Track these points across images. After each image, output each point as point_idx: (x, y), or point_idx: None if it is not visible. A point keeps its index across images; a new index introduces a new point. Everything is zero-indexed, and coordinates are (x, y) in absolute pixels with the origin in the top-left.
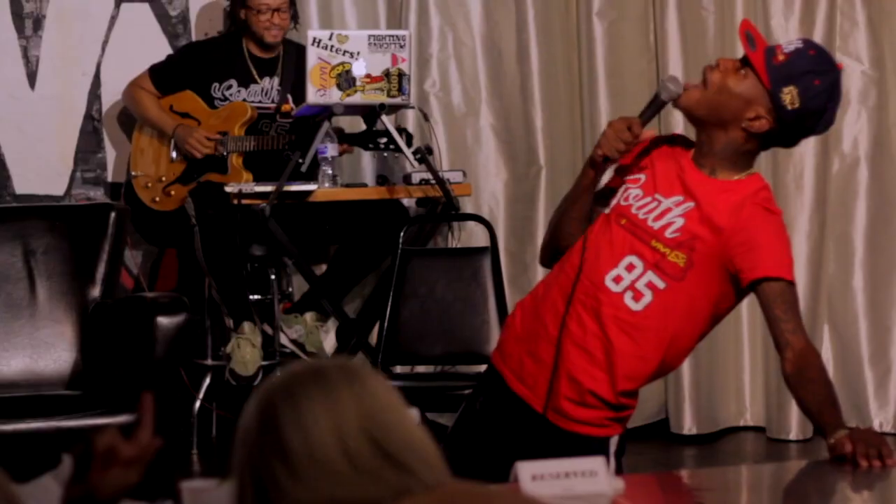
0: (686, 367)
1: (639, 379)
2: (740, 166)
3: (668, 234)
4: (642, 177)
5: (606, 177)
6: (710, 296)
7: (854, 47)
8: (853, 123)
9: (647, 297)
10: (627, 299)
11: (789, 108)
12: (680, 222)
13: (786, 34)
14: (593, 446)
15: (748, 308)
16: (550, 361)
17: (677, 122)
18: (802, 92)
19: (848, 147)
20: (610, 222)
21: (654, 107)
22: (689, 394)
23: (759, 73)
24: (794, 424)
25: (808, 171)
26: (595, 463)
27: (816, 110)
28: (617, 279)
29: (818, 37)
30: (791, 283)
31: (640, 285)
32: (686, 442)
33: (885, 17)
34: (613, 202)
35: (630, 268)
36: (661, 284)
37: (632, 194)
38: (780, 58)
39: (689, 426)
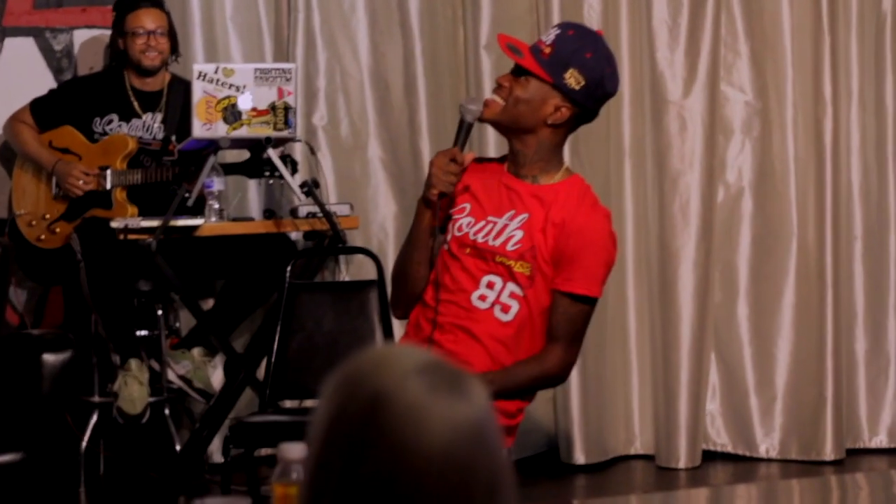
0: (575, 395)
1: None
2: (555, 163)
3: (509, 247)
4: (466, 206)
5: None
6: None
7: (738, 78)
8: (737, 154)
9: (514, 307)
10: (497, 313)
11: (577, 87)
12: (519, 234)
13: (671, 66)
14: None
15: (636, 336)
16: None
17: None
18: (581, 69)
19: (732, 177)
20: (455, 254)
21: (464, 131)
22: (578, 423)
23: (536, 73)
24: (683, 453)
25: (693, 200)
26: None
27: (600, 77)
28: (482, 297)
29: (703, 68)
30: (585, 299)
31: (504, 298)
32: (576, 472)
33: (768, 50)
34: (448, 237)
35: (490, 285)
36: (520, 292)
37: (464, 223)
38: (547, 51)
39: (578, 456)
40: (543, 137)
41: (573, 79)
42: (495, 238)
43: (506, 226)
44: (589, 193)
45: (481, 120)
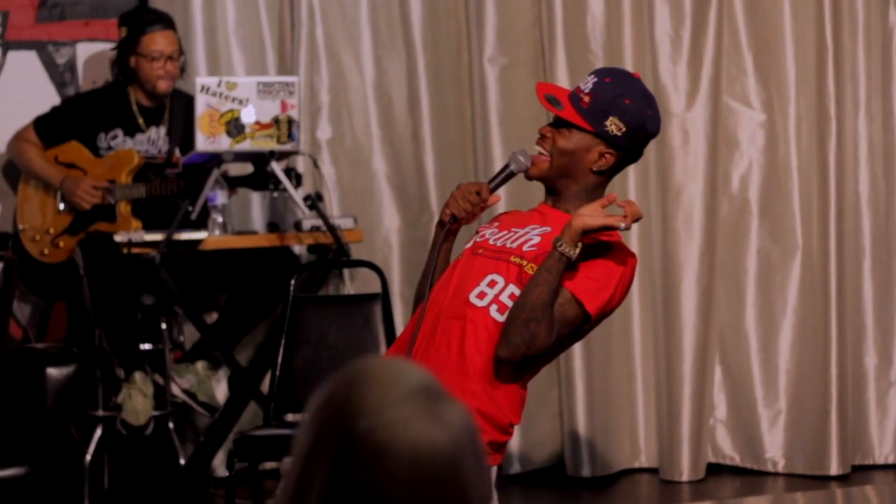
0: (581, 409)
1: (512, 384)
2: (593, 200)
3: (525, 248)
4: (497, 223)
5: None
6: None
7: (741, 91)
8: (741, 166)
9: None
10: (493, 312)
11: (620, 134)
12: (537, 239)
13: (673, 79)
14: None
15: (641, 349)
16: None
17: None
18: (622, 116)
19: (737, 189)
20: (466, 257)
21: (504, 176)
22: (584, 436)
23: (578, 124)
24: (687, 466)
25: (696, 213)
26: None
27: (642, 122)
28: (480, 295)
29: (705, 80)
30: (581, 307)
31: (503, 298)
32: (581, 485)
33: (772, 62)
34: (467, 246)
35: (492, 284)
36: None
37: (487, 233)
38: (586, 100)
39: (584, 469)
40: (586, 182)
41: (614, 126)
42: (513, 242)
43: (526, 233)
44: (616, 234)
45: (528, 176)
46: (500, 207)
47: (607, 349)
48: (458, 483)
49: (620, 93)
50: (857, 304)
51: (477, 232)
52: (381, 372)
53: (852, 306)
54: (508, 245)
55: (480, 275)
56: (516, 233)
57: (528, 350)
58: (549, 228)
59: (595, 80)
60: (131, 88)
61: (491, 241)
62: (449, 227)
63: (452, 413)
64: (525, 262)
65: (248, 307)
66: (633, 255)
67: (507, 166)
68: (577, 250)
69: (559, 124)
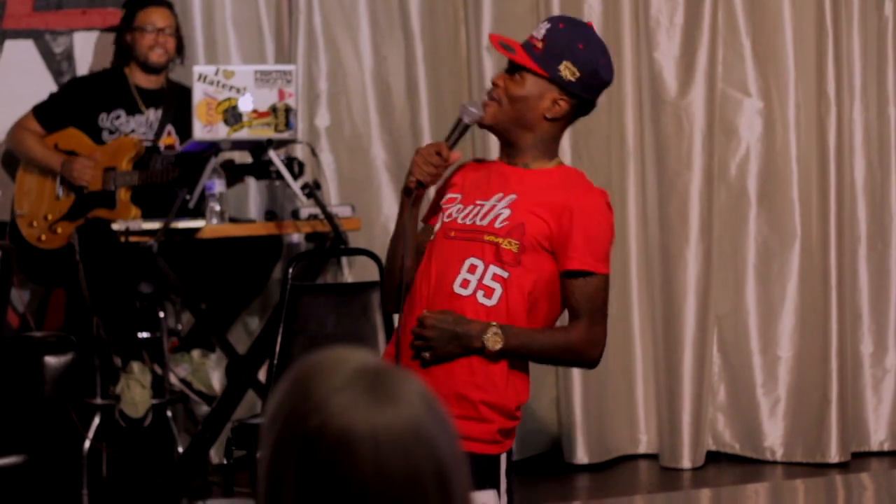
0: (578, 395)
1: (514, 368)
2: (550, 153)
3: (497, 224)
4: (457, 196)
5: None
6: (546, 272)
7: (739, 78)
8: (739, 154)
9: (498, 290)
10: (480, 298)
11: (573, 79)
12: (507, 213)
13: (668, 66)
14: (484, 465)
15: (639, 335)
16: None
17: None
18: (575, 61)
19: (734, 177)
20: (439, 241)
21: (458, 130)
22: (581, 423)
23: (531, 69)
24: (686, 453)
25: (692, 201)
26: (486, 496)
27: (595, 67)
28: (464, 283)
29: (700, 68)
30: (594, 276)
31: (487, 281)
32: (579, 471)
33: (771, 49)
34: (437, 227)
35: (472, 269)
36: (504, 274)
37: (453, 211)
38: (539, 45)
39: (581, 455)
40: (541, 131)
41: (568, 71)
42: (482, 218)
43: (493, 206)
44: (583, 178)
45: (481, 125)
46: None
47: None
48: (428, 456)
49: (573, 38)
50: (853, 292)
51: (442, 210)
52: (321, 364)
53: (848, 294)
54: (478, 223)
55: (458, 261)
56: (482, 206)
57: (601, 352)
58: (514, 196)
59: (548, 26)
60: (129, 70)
61: (459, 221)
62: (416, 194)
63: (403, 387)
64: (501, 240)
65: (235, 291)
66: (604, 194)
67: (459, 120)
68: (500, 339)
69: (512, 70)
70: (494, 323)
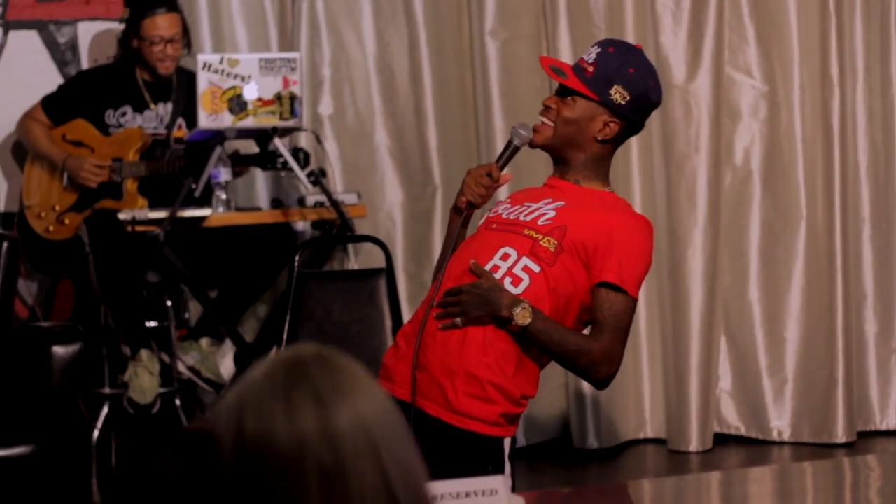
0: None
1: (526, 359)
2: (602, 174)
3: (540, 222)
4: (510, 200)
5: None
6: (579, 282)
7: (744, 61)
8: (744, 137)
9: (525, 280)
10: (507, 285)
11: (623, 103)
12: (551, 213)
13: (675, 50)
14: (488, 446)
15: (646, 319)
16: (438, 362)
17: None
18: (626, 85)
19: (740, 160)
20: (480, 231)
21: (509, 152)
22: (590, 408)
23: (583, 93)
24: (695, 436)
25: (700, 185)
26: (495, 482)
27: (645, 90)
28: (494, 269)
29: (707, 52)
30: (625, 294)
31: (517, 270)
32: (588, 457)
33: (775, 32)
34: (481, 222)
35: (505, 257)
36: (536, 268)
37: (500, 209)
38: (590, 69)
39: (590, 441)
40: (593, 152)
41: (619, 94)
42: (527, 216)
43: (540, 207)
44: (630, 207)
45: (532, 146)
46: (508, 188)
47: None
48: (370, 455)
49: (624, 62)
50: (858, 273)
51: (490, 210)
52: (243, 385)
53: (853, 275)
54: (521, 218)
55: (493, 248)
56: (529, 207)
57: (614, 372)
58: (563, 202)
59: (599, 50)
60: (137, 67)
61: (504, 216)
62: (466, 214)
63: (325, 383)
64: (540, 236)
65: (247, 281)
66: (649, 223)
67: (510, 142)
68: (528, 315)
69: (564, 94)
70: (526, 300)
